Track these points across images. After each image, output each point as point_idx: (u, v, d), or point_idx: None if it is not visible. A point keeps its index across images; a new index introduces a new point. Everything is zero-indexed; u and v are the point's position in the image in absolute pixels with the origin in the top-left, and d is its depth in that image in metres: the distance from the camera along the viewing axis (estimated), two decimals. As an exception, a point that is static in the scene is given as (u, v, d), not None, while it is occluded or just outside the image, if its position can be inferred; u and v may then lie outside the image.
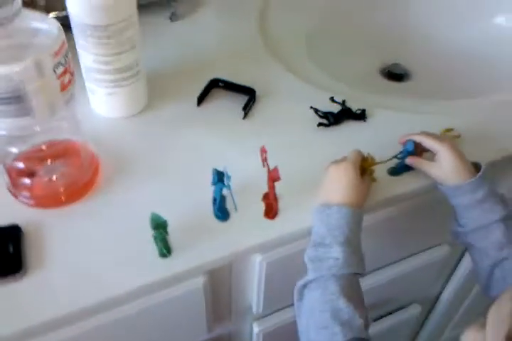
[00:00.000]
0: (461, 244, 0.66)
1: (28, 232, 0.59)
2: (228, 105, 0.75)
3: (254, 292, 0.72)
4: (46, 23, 0.51)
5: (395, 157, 0.67)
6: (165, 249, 0.57)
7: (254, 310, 0.76)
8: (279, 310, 0.80)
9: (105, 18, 0.60)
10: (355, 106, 0.75)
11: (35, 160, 0.59)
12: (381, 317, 0.99)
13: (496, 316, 0.44)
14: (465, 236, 0.63)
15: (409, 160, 0.66)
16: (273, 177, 0.59)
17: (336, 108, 0.74)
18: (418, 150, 0.66)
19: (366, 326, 0.54)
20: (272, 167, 0.60)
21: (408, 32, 1.01)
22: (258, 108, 0.75)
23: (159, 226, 0.55)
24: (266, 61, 0.82)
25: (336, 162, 0.63)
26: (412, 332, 1.15)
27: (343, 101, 0.75)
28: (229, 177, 0.58)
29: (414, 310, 1.02)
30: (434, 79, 0.97)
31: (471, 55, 0.97)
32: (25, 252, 0.58)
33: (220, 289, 0.70)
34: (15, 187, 0.60)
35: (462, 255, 0.94)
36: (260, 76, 0.79)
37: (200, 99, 0.74)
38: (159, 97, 0.75)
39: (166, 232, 0.56)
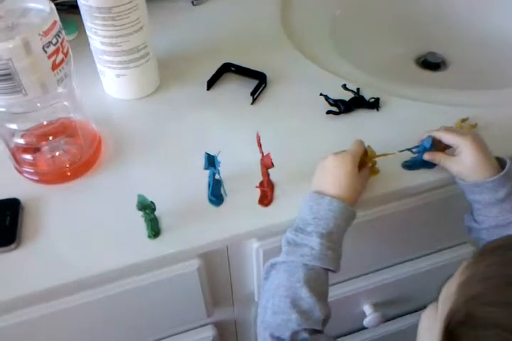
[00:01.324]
0: (474, 238, 0.63)
1: (27, 206, 0.61)
2: (238, 90, 0.74)
3: (254, 279, 0.72)
4: (39, 3, 0.52)
5: (409, 150, 0.64)
6: (152, 230, 0.58)
7: (255, 297, 0.75)
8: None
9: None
10: (371, 94, 0.72)
11: (38, 137, 0.61)
12: (397, 317, 0.96)
13: (444, 294, 0.43)
14: (479, 232, 0.60)
15: (428, 156, 0.62)
16: (266, 163, 0.58)
17: (347, 96, 0.71)
18: (439, 147, 0.63)
19: (324, 321, 0.53)
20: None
21: (445, 20, 0.97)
22: (269, 93, 0.74)
23: (145, 208, 0.55)
24: (284, 47, 0.80)
25: (337, 152, 0.61)
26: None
27: (358, 90, 0.72)
28: (218, 162, 0.57)
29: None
30: (471, 68, 0.92)
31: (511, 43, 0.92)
32: (21, 225, 0.60)
33: (218, 274, 0.70)
34: (19, 164, 0.63)
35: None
36: (276, 61, 0.78)
37: (211, 83, 0.74)
38: (172, 80, 0.75)
39: (153, 214, 0.57)
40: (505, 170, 0.58)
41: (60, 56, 0.53)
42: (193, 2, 0.85)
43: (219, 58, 0.77)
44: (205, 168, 0.59)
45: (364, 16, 0.92)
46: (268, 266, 0.57)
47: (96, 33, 0.64)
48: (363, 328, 0.92)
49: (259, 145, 0.59)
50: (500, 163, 0.60)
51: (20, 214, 0.60)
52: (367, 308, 0.88)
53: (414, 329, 1.00)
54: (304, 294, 0.53)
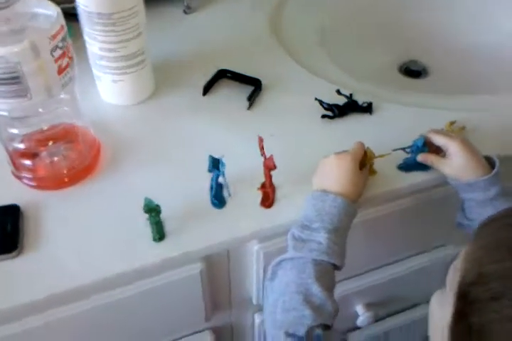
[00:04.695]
0: (465, 233, 0.64)
1: (27, 212, 0.61)
2: (234, 95, 0.75)
3: (253, 282, 0.72)
4: (46, 8, 0.52)
5: (402, 149, 0.66)
6: (158, 233, 0.58)
7: (254, 301, 0.76)
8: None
9: (110, 5, 0.61)
10: (362, 99, 0.74)
11: (37, 142, 0.61)
12: (388, 316, 0.97)
13: (451, 272, 0.46)
14: (471, 228, 0.62)
15: (421, 158, 0.65)
16: (268, 165, 0.59)
17: (341, 100, 0.73)
18: (431, 149, 0.65)
19: (334, 316, 0.54)
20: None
21: (426, 28, 1.00)
22: (264, 99, 0.75)
23: (151, 211, 0.56)
24: (277, 53, 0.82)
25: (339, 152, 0.63)
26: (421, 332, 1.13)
27: (350, 95, 0.74)
28: (223, 165, 0.58)
29: (421, 312, 1.00)
30: (451, 76, 0.95)
31: (491, 53, 0.96)
32: (22, 231, 0.59)
33: (218, 278, 0.70)
34: (17, 169, 0.62)
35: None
36: (269, 68, 0.79)
37: (206, 89, 0.75)
38: (166, 86, 0.76)
39: (159, 217, 0.57)
40: (495, 170, 0.60)
41: (66, 60, 0.54)
42: (184, 10, 0.86)
43: (211, 64, 0.78)
44: (209, 171, 0.60)
45: (351, 25, 0.95)
46: (274, 264, 0.58)
47: (95, 39, 0.64)
48: (356, 328, 0.93)
49: (262, 148, 0.60)
50: (490, 162, 0.62)
51: (21, 220, 0.60)
52: (359, 308, 0.89)
53: (407, 327, 1.02)
54: (316, 289, 0.54)
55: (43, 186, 0.63)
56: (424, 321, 1.05)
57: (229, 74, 0.76)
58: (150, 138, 0.70)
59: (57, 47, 0.51)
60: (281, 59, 0.81)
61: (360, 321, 0.89)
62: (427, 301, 0.99)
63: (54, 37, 0.51)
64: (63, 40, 0.52)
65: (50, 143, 0.61)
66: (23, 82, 0.51)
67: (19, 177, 0.63)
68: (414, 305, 0.99)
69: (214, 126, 0.71)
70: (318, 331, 0.53)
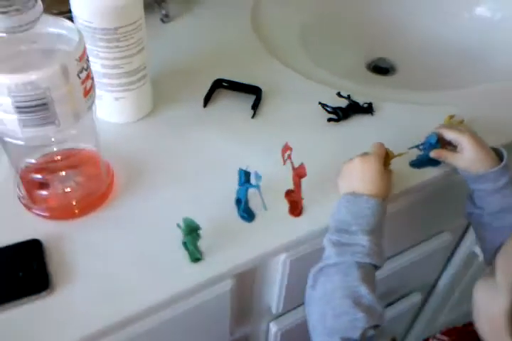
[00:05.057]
0: (474, 223, 0.68)
1: (48, 246, 0.57)
2: (235, 105, 0.74)
3: (275, 291, 0.71)
4: (65, 28, 0.49)
5: (417, 147, 0.68)
6: (198, 253, 0.56)
7: (273, 310, 0.75)
8: (294, 308, 0.79)
9: (116, 20, 0.58)
10: (361, 100, 0.75)
11: (50, 170, 0.57)
12: (390, 304, 1.00)
13: (502, 258, 0.48)
14: (481, 217, 0.65)
15: (434, 154, 0.67)
16: (300, 173, 0.59)
17: (342, 103, 0.74)
18: (441, 144, 0.67)
19: (384, 315, 0.55)
20: (296, 164, 0.59)
21: (392, 26, 1.03)
22: (264, 106, 0.74)
23: (193, 231, 0.54)
24: (264, 58, 0.81)
25: (362, 154, 0.64)
26: (412, 318, 1.17)
27: (349, 96, 0.75)
28: (259, 177, 0.57)
29: (415, 298, 1.04)
30: (419, 71, 0.99)
31: (454, 47, 1.00)
32: (49, 268, 0.55)
33: (243, 292, 0.69)
34: (30, 199, 0.58)
35: (460, 239, 0.96)
36: (260, 74, 0.78)
37: (206, 100, 0.73)
38: (163, 100, 0.73)
39: (199, 236, 0.55)
40: (504, 161, 0.64)
41: (90, 81, 0.50)
42: (162, 19, 0.84)
43: (203, 75, 0.76)
44: (240, 185, 0.59)
45: (325, 25, 0.96)
46: (315, 271, 0.57)
47: (97, 56, 0.61)
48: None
49: (289, 157, 0.59)
50: (497, 153, 0.65)
51: (45, 255, 0.56)
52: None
53: (399, 315, 1.04)
54: (364, 291, 0.54)
55: (58, 216, 0.59)
56: (410, 311, 1.09)
57: (225, 84, 0.75)
58: (158, 157, 0.67)
59: (83, 68, 0.48)
60: (269, 63, 0.80)
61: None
62: (415, 291, 1.04)
63: (81, 58, 0.47)
64: (87, 60, 0.49)
65: (62, 172, 0.58)
66: (51, 109, 0.47)
67: (31, 208, 0.59)
68: (402, 297, 1.02)
69: (222, 138, 0.70)
70: (372, 332, 0.54)
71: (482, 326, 0.53)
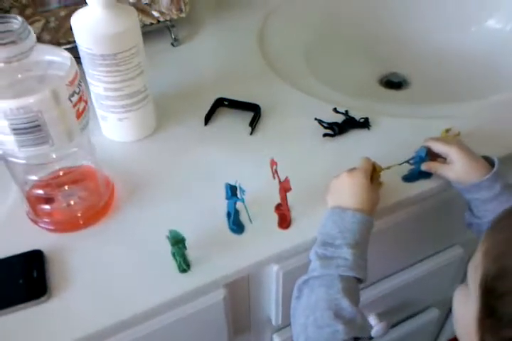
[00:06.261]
0: (476, 232, 0.67)
1: (50, 257, 0.61)
2: (235, 122, 0.77)
3: (272, 303, 0.74)
4: (58, 55, 0.54)
5: (407, 162, 0.69)
6: (184, 264, 0.59)
7: (273, 322, 0.77)
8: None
9: (113, 47, 0.63)
10: (357, 115, 0.77)
11: (53, 186, 0.62)
12: (399, 322, 0.99)
13: (471, 269, 0.50)
14: (480, 226, 0.65)
15: (425, 167, 0.68)
16: (285, 187, 0.61)
17: (339, 118, 0.76)
18: (431, 156, 0.68)
19: (365, 328, 0.56)
20: (282, 178, 0.62)
21: (403, 41, 1.04)
22: (263, 123, 0.77)
23: (178, 242, 0.57)
24: (268, 78, 0.84)
25: (349, 170, 0.65)
26: (432, 335, 1.15)
27: (346, 111, 0.77)
28: (243, 191, 0.60)
29: (432, 314, 1.03)
30: (432, 84, 0.99)
31: (466, 59, 1.00)
32: (48, 276, 0.59)
33: (239, 302, 0.71)
34: (35, 214, 0.63)
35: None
36: (263, 92, 0.81)
37: (207, 118, 0.77)
38: (167, 119, 0.77)
39: (185, 247, 0.58)
40: (495, 168, 0.64)
41: (82, 104, 0.55)
42: (172, 44, 0.89)
43: (207, 94, 0.80)
44: (227, 198, 0.62)
45: (332, 41, 0.98)
46: (300, 283, 0.59)
47: (99, 80, 0.66)
48: (369, 338, 0.95)
49: (276, 172, 0.62)
50: (488, 161, 0.66)
51: (46, 265, 0.60)
52: (372, 319, 0.91)
53: (418, 331, 1.03)
54: (345, 304, 0.55)
55: (61, 229, 0.64)
56: (428, 327, 1.08)
57: (226, 102, 0.78)
58: (159, 173, 0.71)
59: (74, 92, 0.53)
60: (273, 82, 0.83)
61: (374, 332, 0.90)
62: (432, 306, 1.03)
63: (71, 83, 0.52)
64: (79, 85, 0.54)
65: (66, 186, 0.62)
66: (44, 130, 0.52)
67: (37, 222, 0.64)
68: (419, 312, 1.02)
69: (220, 154, 0.73)
70: None
71: (459, 334, 0.55)
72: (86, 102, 0.56)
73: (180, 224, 0.63)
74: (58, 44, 0.81)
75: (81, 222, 0.64)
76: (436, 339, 1.18)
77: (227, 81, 0.84)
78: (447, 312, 1.09)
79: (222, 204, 0.65)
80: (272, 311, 0.75)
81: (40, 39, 0.82)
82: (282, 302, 0.72)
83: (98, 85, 0.67)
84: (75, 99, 0.53)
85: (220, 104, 0.79)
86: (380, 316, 0.90)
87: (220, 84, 0.83)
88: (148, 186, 0.69)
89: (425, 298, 0.98)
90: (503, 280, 0.46)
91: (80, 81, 0.54)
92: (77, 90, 0.53)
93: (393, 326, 0.98)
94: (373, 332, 0.91)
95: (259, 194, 0.67)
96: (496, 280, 0.47)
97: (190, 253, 0.61)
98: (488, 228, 0.52)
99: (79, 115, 0.55)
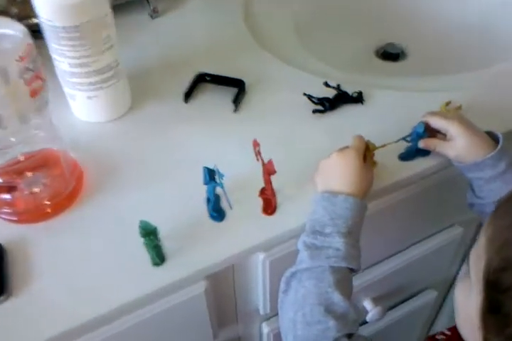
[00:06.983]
0: (478, 213, 0.63)
1: (11, 250, 0.56)
2: (217, 99, 0.71)
3: (259, 292, 0.69)
4: (10, 28, 0.48)
5: (404, 139, 0.63)
6: (157, 257, 0.54)
7: (261, 311, 0.73)
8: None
9: (75, 17, 0.57)
10: (351, 89, 0.71)
11: (14, 173, 0.56)
12: (396, 305, 0.95)
13: (473, 257, 0.46)
14: (483, 206, 0.61)
15: (423, 144, 0.63)
16: (268, 170, 0.56)
17: (331, 93, 0.70)
18: (430, 133, 0.63)
19: (358, 322, 0.52)
20: (266, 160, 0.56)
21: (398, 10, 0.98)
22: (249, 99, 0.72)
23: (149, 234, 0.52)
24: (254, 51, 0.78)
25: (340, 149, 0.60)
26: (430, 317, 1.12)
27: (338, 86, 0.71)
28: (221, 176, 0.55)
29: (430, 296, 0.99)
30: (431, 56, 0.94)
31: (464, 28, 0.94)
32: (9, 273, 0.54)
33: (223, 293, 0.67)
34: (-2, 204, 0.58)
35: (476, 234, 0.90)
36: (248, 67, 0.76)
37: (188, 95, 0.71)
38: (144, 97, 0.72)
39: (158, 239, 0.53)
40: (500, 145, 0.59)
41: (39, 82, 0.49)
42: (150, 15, 0.82)
43: (189, 69, 0.74)
44: (205, 183, 0.56)
45: (323, 12, 0.92)
46: (288, 276, 0.55)
47: (63, 55, 0.60)
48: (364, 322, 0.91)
49: (258, 153, 0.57)
50: (492, 136, 0.60)
51: (5, 260, 0.55)
52: (367, 303, 0.87)
53: (415, 314, 1.00)
54: (337, 298, 0.51)
55: (25, 220, 0.59)
56: (426, 308, 1.04)
57: (208, 78, 0.73)
58: (135, 155, 0.66)
59: (27, 69, 0.47)
60: (260, 55, 0.78)
61: (369, 317, 0.86)
62: (430, 287, 0.99)
63: (22, 58, 0.46)
64: (33, 61, 0.48)
65: (29, 173, 0.57)
66: (-7, 111, 0.46)
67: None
68: (416, 294, 0.98)
69: (201, 134, 0.68)
70: (345, 339, 0.51)
71: (461, 326, 0.51)
72: (43, 80, 0.50)
73: (156, 212, 0.58)
74: (28, 17, 0.75)
75: (47, 211, 0.58)
76: (432, 323, 1.14)
77: (210, 55, 0.78)
78: (445, 294, 1.06)
79: (201, 190, 0.59)
80: (260, 301, 0.71)
81: (7, 13, 0.76)
82: (270, 292, 0.68)
83: (62, 61, 0.61)
84: (28, 76, 0.47)
85: (201, 79, 0.73)
86: (376, 300, 0.87)
87: (201, 59, 0.77)
88: (122, 171, 0.64)
89: (423, 279, 0.95)
90: (508, 272, 0.41)
91: (35, 57, 0.48)
92: (30, 66, 0.48)
93: (389, 309, 0.95)
94: (368, 317, 0.87)
95: (244, 177, 0.62)
96: (500, 272, 0.42)
97: (168, 243, 0.57)
98: (492, 212, 0.47)
99: (34, 94, 0.49)
